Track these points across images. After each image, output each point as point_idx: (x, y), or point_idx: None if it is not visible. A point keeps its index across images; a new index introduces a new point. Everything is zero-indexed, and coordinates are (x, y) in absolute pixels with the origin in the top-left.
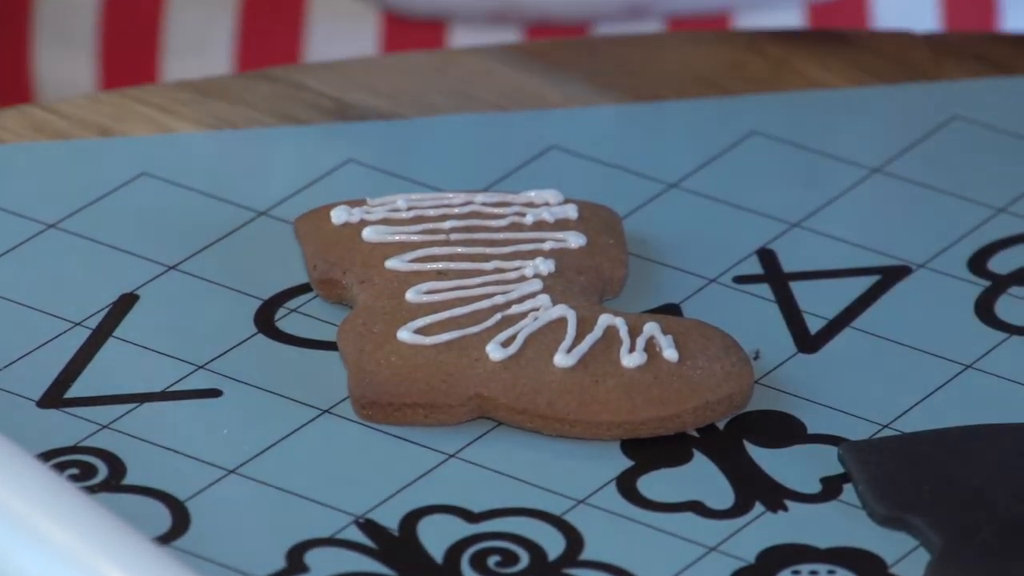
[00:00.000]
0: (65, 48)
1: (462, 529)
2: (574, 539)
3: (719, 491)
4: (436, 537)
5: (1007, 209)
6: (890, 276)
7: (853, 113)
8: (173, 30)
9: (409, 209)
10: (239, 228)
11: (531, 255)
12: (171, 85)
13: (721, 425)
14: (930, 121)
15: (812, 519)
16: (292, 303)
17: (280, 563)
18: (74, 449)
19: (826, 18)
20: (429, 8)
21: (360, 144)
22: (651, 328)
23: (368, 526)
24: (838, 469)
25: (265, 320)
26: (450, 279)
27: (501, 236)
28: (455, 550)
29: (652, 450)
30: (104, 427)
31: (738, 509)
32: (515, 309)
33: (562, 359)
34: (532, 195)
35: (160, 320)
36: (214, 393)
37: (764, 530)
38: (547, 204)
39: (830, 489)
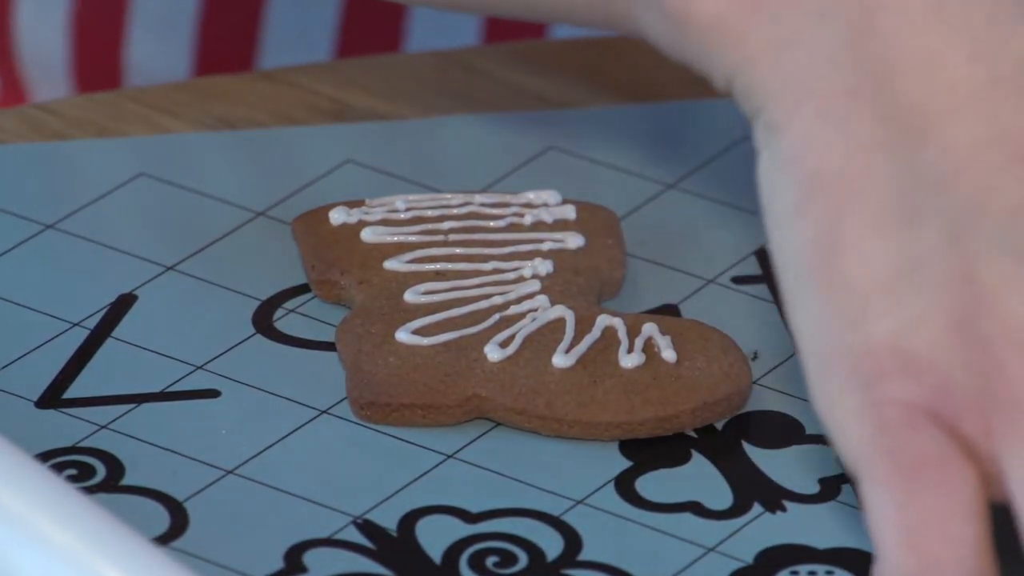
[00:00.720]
0: (161, 34)
1: (460, 529)
2: (572, 540)
3: (717, 492)
4: (434, 537)
5: None
6: None
7: None
8: (273, 18)
9: (408, 210)
10: (237, 228)
11: (529, 256)
12: (169, 85)
13: (720, 426)
14: None
15: (810, 520)
16: (290, 303)
17: (278, 563)
18: (72, 449)
19: None
20: None
21: (358, 145)
22: (649, 328)
23: (366, 526)
24: (837, 470)
25: (263, 321)
26: (448, 280)
27: (499, 237)
28: (453, 550)
29: (650, 450)
30: (102, 427)
31: (736, 510)
32: (513, 310)
33: (560, 360)
34: (531, 196)
35: (158, 320)
36: (212, 393)
37: (762, 531)
38: (545, 205)
39: (828, 490)
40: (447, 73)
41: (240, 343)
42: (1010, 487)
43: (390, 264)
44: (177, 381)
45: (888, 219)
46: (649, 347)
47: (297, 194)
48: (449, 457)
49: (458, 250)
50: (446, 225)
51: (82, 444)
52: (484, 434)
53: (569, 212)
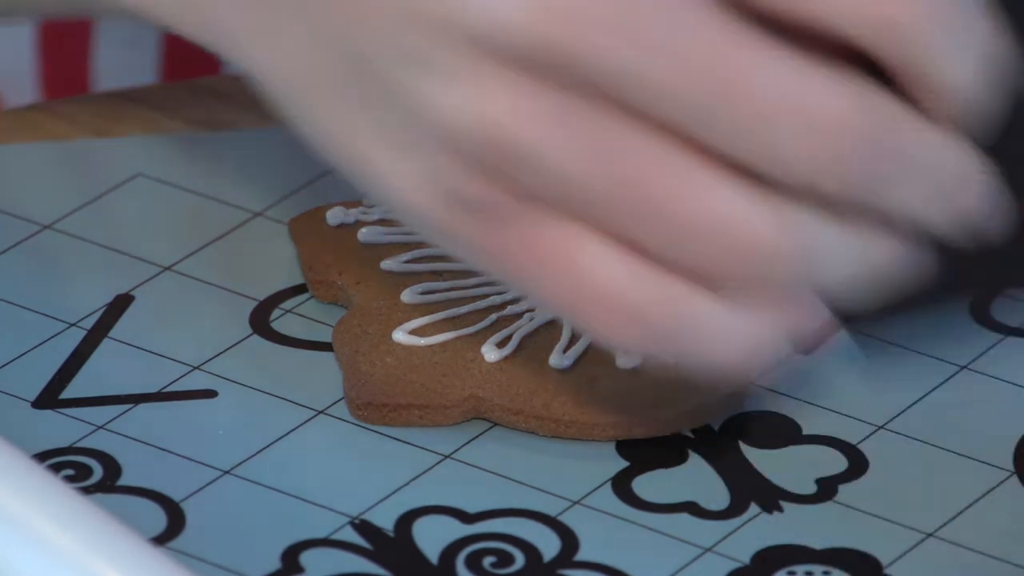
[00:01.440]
0: (129, 42)
1: (457, 530)
2: (569, 540)
3: (714, 492)
4: (431, 538)
5: None
6: None
7: None
8: None
9: None
10: (235, 229)
11: None
12: (166, 85)
13: (716, 426)
14: None
15: (807, 520)
16: (288, 304)
17: (275, 564)
18: (69, 450)
19: None
20: None
21: None
22: None
23: (363, 527)
24: (833, 470)
25: (260, 321)
26: (445, 280)
27: None
28: (450, 551)
29: (647, 451)
30: (99, 428)
31: (733, 510)
32: (510, 310)
33: (557, 360)
34: None
35: (155, 321)
36: (209, 394)
37: (759, 531)
38: None
39: (825, 490)
40: None
41: (237, 343)
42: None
43: (387, 264)
44: (174, 381)
45: None
46: None
47: (294, 194)
48: (446, 457)
49: None
50: None
51: (79, 444)
52: (481, 434)
53: None
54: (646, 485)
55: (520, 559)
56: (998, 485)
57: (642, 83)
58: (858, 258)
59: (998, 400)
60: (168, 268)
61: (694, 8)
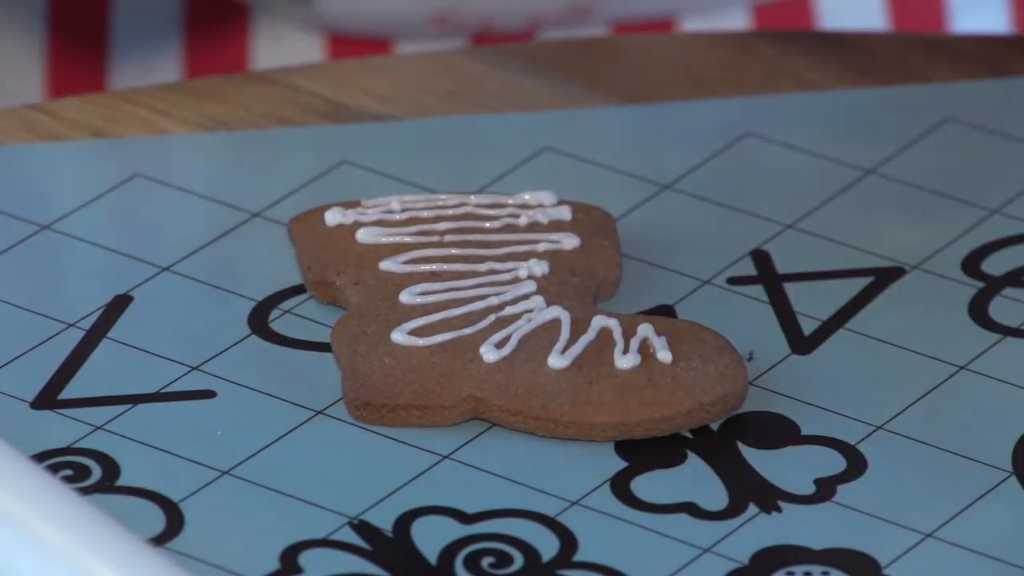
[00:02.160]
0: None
1: (456, 530)
2: (568, 540)
3: (713, 492)
4: (430, 538)
5: (1001, 211)
6: (884, 277)
7: (847, 115)
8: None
9: (403, 211)
10: (233, 230)
11: (525, 256)
12: (164, 86)
13: (715, 426)
14: (924, 123)
15: (806, 520)
16: (286, 304)
17: (274, 564)
18: (68, 450)
19: (772, 19)
20: (369, 25)
21: (354, 145)
22: (645, 329)
23: (362, 527)
24: (832, 470)
25: (259, 321)
26: (444, 280)
27: (495, 237)
28: (449, 551)
29: (646, 451)
30: (98, 428)
31: (732, 510)
32: (509, 310)
33: (556, 360)
34: (526, 196)
35: (154, 321)
36: (208, 394)
37: (758, 531)
38: (541, 205)
39: (824, 490)
40: (442, 74)
41: (236, 344)
42: None
43: (386, 265)
44: (173, 382)
45: None
46: (645, 348)
47: (292, 195)
48: (445, 458)
49: (454, 251)
50: (442, 226)
51: (78, 445)
52: (480, 435)
53: (565, 213)
54: (645, 485)
55: (519, 559)
56: (997, 485)
57: None
58: None
59: (996, 401)
60: (166, 269)
61: None
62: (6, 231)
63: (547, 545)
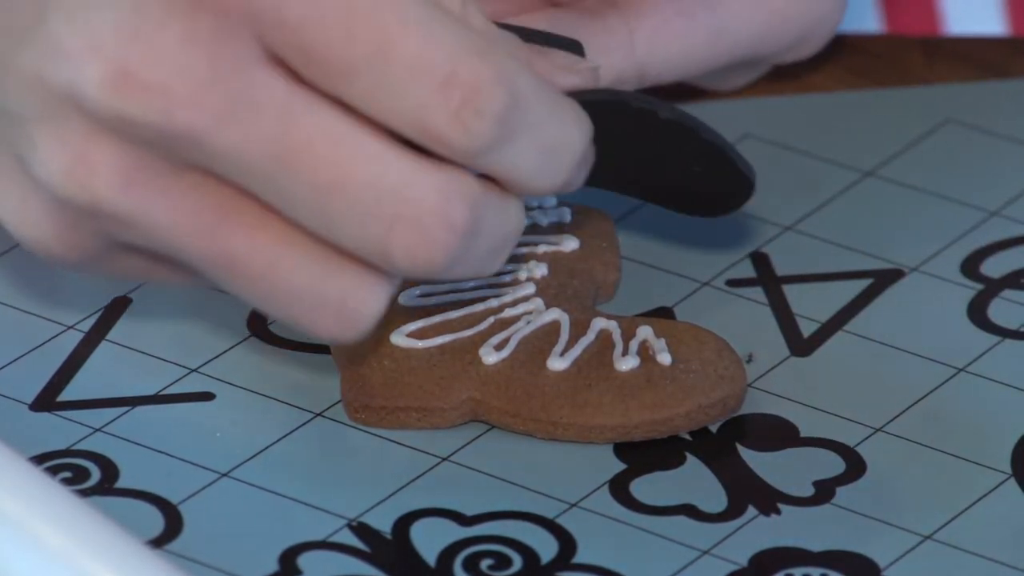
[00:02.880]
0: None
1: (455, 532)
2: (567, 542)
3: (712, 494)
4: (429, 540)
5: (1000, 212)
6: (883, 279)
7: (846, 116)
8: None
9: None
10: None
11: (525, 258)
12: None
13: (714, 428)
14: (923, 124)
15: (805, 522)
16: None
17: (273, 566)
18: (67, 452)
19: None
20: None
21: None
22: (644, 331)
23: (361, 529)
24: (831, 472)
25: (258, 323)
26: (443, 282)
27: None
28: (448, 553)
29: (645, 453)
30: (97, 430)
31: (731, 512)
32: (508, 312)
33: (555, 362)
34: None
35: (153, 323)
36: (207, 396)
37: (757, 533)
38: (541, 208)
39: (823, 492)
40: None
41: (235, 346)
42: None
43: None
44: (172, 384)
45: None
46: (644, 350)
47: None
48: (444, 460)
49: None
50: None
51: (77, 447)
52: (479, 437)
53: (564, 215)
54: (644, 488)
55: (518, 561)
56: (996, 487)
57: (207, 148)
58: None
59: (995, 402)
60: None
61: (266, 73)
62: (6, 232)
63: (546, 547)
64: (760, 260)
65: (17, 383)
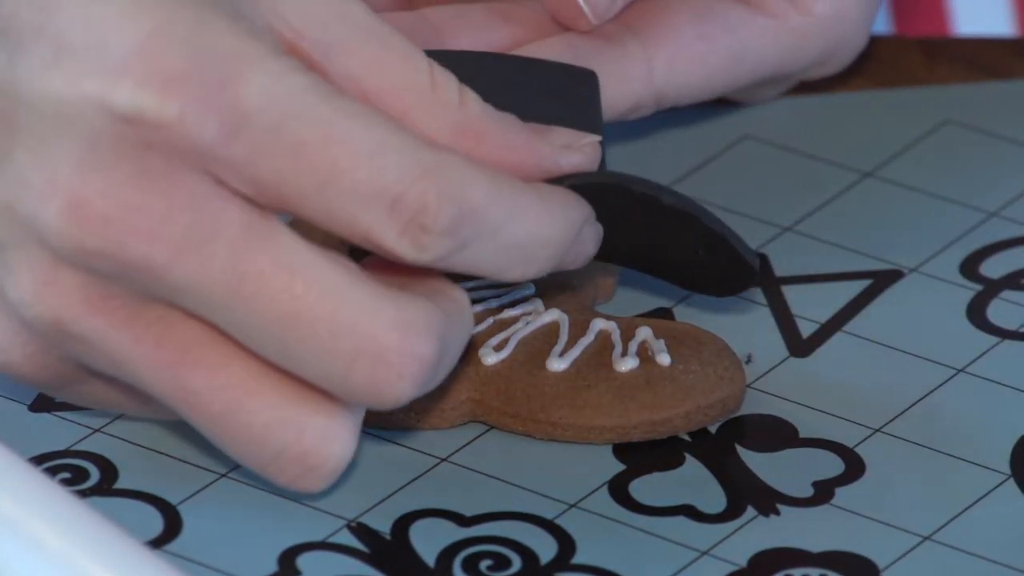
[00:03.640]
0: None
1: (454, 533)
2: (566, 543)
3: (711, 495)
4: (428, 541)
5: (999, 213)
6: (882, 280)
7: (846, 117)
8: None
9: None
10: None
11: None
12: None
13: (713, 429)
14: (922, 125)
15: (804, 523)
16: None
17: (272, 567)
18: (66, 453)
19: None
20: None
21: None
22: (644, 332)
23: (360, 530)
24: (830, 473)
25: None
26: None
27: None
28: (447, 554)
29: (644, 454)
30: (96, 431)
31: (730, 513)
32: (508, 313)
33: (555, 363)
34: None
35: None
36: None
37: (756, 534)
38: None
39: (822, 493)
40: None
41: None
42: None
43: None
44: None
45: None
46: (643, 351)
47: None
48: (443, 460)
49: None
50: None
51: (76, 447)
52: (478, 437)
53: None
54: (643, 488)
55: (517, 562)
56: (995, 488)
57: (164, 280)
58: None
59: (995, 403)
60: None
61: (219, 205)
62: None
63: (545, 548)
64: (759, 261)
65: (17, 384)
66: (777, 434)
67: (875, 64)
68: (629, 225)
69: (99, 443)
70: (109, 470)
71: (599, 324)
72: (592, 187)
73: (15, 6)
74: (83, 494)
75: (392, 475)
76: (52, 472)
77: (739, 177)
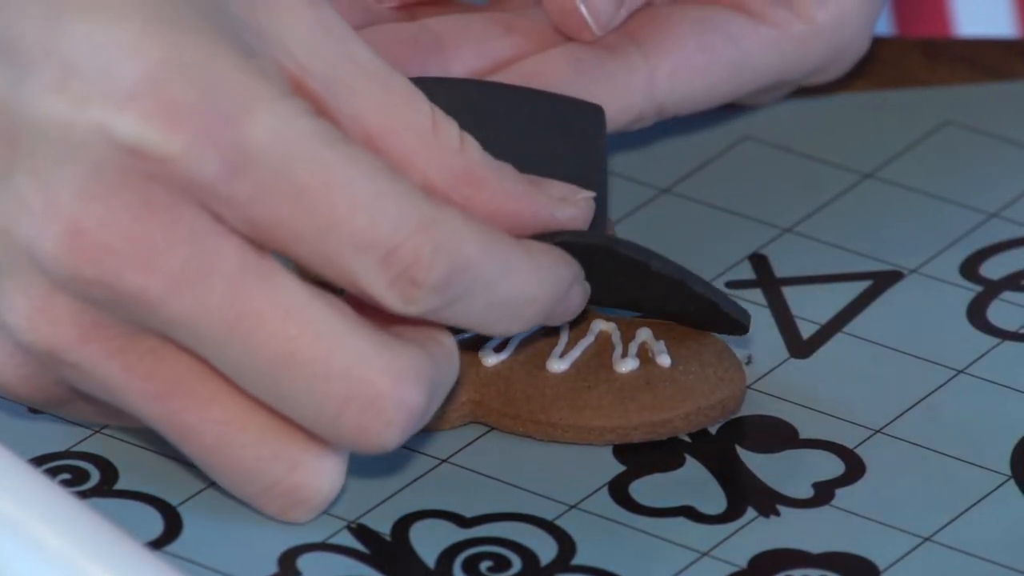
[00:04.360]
0: None
1: (454, 534)
2: (566, 544)
3: (711, 496)
4: (428, 542)
5: (999, 214)
6: (882, 281)
7: (846, 118)
8: None
9: None
10: None
11: None
12: None
13: (713, 430)
14: (922, 126)
15: (804, 524)
16: None
17: (272, 568)
18: (66, 454)
19: None
20: None
21: None
22: (644, 334)
23: (360, 531)
24: (830, 474)
25: None
26: None
27: None
28: (447, 555)
29: (644, 455)
30: (96, 432)
31: (730, 514)
32: None
33: (555, 364)
34: None
35: None
36: None
37: (756, 535)
38: None
39: (822, 494)
40: None
41: None
42: None
43: None
44: None
45: None
46: (643, 352)
47: None
48: (443, 461)
49: None
50: None
51: (76, 448)
52: (478, 438)
53: None
54: (643, 489)
55: (517, 563)
56: (995, 489)
57: (159, 313)
58: None
59: (995, 404)
60: None
61: (218, 241)
62: None
63: (545, 549)
64: (759, 262)
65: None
66: (777, 435)
67: (876, 65)
68: (618, 284)
69: (99, 444)
70: (109, 471)
71: (599, 325)
72: (582, 247)
73: (23, 26)
74: (83, 495)
75: (392, 476)
76: (52, 473)
77: (739, 178)
